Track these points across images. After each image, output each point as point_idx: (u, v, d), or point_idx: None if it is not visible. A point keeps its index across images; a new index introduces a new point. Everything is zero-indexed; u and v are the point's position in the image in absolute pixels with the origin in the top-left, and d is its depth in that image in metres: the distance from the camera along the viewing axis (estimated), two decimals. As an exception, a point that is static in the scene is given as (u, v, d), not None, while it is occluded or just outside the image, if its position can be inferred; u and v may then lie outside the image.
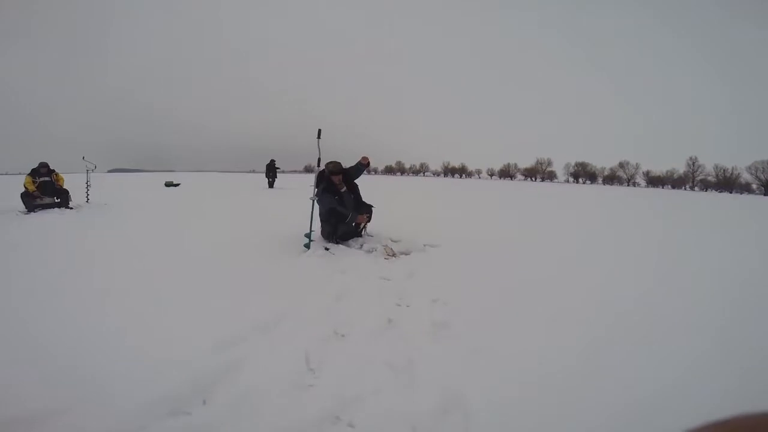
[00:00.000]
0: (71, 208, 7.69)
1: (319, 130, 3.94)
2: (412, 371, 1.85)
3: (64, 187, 7.85)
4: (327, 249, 4.09)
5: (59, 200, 7.70)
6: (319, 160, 3.99)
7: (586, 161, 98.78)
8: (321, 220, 4.37)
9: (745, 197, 36.96)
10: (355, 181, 4.52)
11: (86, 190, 9.21)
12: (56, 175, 7.94)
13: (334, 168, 4.23)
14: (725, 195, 48.39)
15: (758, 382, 1.77)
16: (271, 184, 16.72)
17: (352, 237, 4.43)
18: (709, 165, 79.57)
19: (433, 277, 3.28)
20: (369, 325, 2.32)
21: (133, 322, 2.27)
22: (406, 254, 4.10)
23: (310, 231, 4.04)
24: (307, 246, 4.03)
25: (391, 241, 4.46)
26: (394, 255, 4.03)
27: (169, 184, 17.06)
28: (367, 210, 4.46)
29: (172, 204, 9.22)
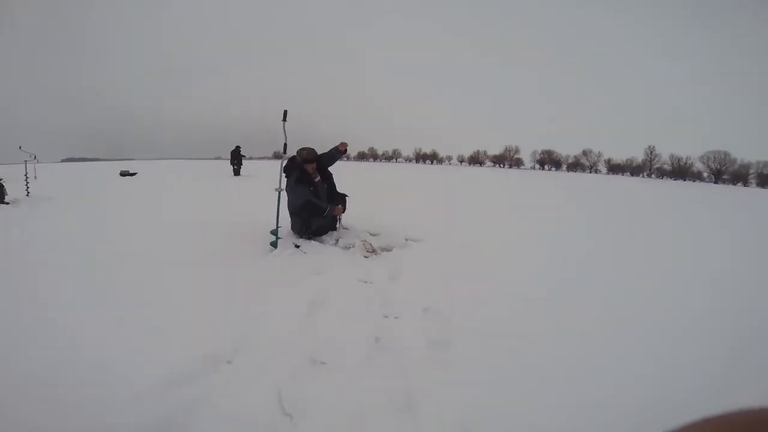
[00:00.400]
0: (6, 203, 6.84)
1: (285, 112, 3.39)
2: (414, 410, 1.46)
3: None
4: (297, 246, 3.61)
5: (-7, 195, 6.84)
6: (285, 145, 3.44)
7: (551, 149, 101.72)
8: (291, 213, 3.88)
9: (698, 185, 39.30)
10: (329, 168, 4.05)
11: (25, 182, 8.31)
12: (-17, 167, 7.05)
13: (308, 155, 3.72)
14: (680, 182, 51.25)
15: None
16: (236, 172, 15.78)
17: (327, 231, 3.97)
18: (665, 154, 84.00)
19: (420, 278, 2.90)
20: (354, 348, 1.90)
21: (42, 355, 1.74)
22: (387, 250, 3.69)
23: (277, 227, 3.53)
24: (274, 244, 3.54)
25: (370, 235, 4.03)
26: (374, 252, 3.62)
27: (124, 174, 15.88)
28: (341, 200, 4.03)
29: (124, 195, 8.33)
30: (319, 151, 3.87)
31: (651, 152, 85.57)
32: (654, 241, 4.61)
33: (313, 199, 3.69)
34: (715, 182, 71.30)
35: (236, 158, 15.95)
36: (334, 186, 4.04)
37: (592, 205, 8.83)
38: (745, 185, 69.47)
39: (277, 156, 3.84)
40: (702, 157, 76.69)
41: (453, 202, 7.51)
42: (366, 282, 2.85)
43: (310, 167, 3.76)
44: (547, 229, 5.14)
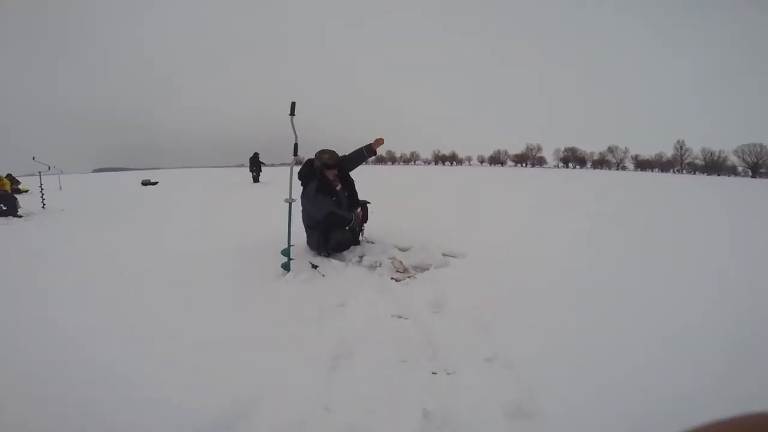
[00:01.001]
0: (20, 216, 6.72)
1: (293, 104, 2.79)
2: None
3: (21, 190, 6.83)
4: (314, 267, 3.03)
5: (5, 208, 6.71)
6: (295, 146, 2.85)
7: (575, 146, 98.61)
8: (306, 227, 3.32)
9: (734, 179, 36.68)
10: (350, 173, 3.48)
11: (41, 194, 8.28)
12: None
13: (330, 159, 3.15)
14: (714, 178, 48.36)
15: None
16: (255, 179, 15.51)
17: (348, 246, 3.38)
18: (696, 148, 79.98)
19: (472, 309, 2.25)
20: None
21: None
22: (422, 270, 3.07)
23: (289, 246, 2.92)
24: (287, 267, 2.93)
25: (399, 250, 3.42)
26: (406, 272, 3.00)
27: (146, 183, 15.99)
28: (361, 208, 3.47)
29: (139, 206, 8.04)
30: (340, 153, 3.31)
31: (681, 147, 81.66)
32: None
33: (338, 210, 3.14)
34: (753, 176, 67.19)
35: (255, 165, 15.67)
36: (355, 194, 3.45)
37: (630, 209, 7.93)
38: (787, 179, 65.09)
39: (300, 162, 3.36)
40: (736, 150, 72.65)
41: (485, 208, 6.80)
42: (401, 317, 2.23)
43: (331, 174, 3.19)
44: (599, 234, 4.40)
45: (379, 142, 3.36)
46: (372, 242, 3.67)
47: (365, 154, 3.36)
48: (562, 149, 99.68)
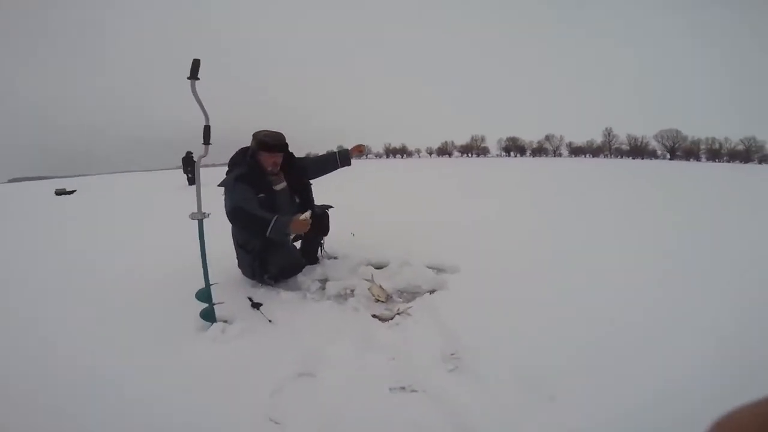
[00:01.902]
0: None
1: (195, 63, 1.75)
2: None
3: None
4: (255, 306, 2.06)
5: None
6: (206, 128, 1.83)
7: (516, 136, 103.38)
8: (236, 245, 2.35)
9: (654, 162, 40.06)
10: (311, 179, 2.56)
11: None
12: None
13: (270, 138, 2.19)
14: (638, 161, 52.79)
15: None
16: (191, 181, 13.72)
17: (301, 268, 2.46)
18: (622, 134, 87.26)
19: (509, 362, 1.45)
20: None
21: None
22: (411, 295, 2.24)
23: (208, 285, 1.86)
24: (208, 316, 1.86)
25: (374, 268, 2.56)
26: (389, 300, 2.15)
27: (60, 193, 13.53)
28: (319, 212, 2.51)
29: (36, 223, 6.38)
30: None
31: (609, 133, 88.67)
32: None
33: (248, 205, 2.06)
34: (670, 159, 74.69)
35: (189, 165, 13.89)
36: (310, 199, 2.52)
37: (611, 193, 7.75)
38: (697, 161, 73.16)
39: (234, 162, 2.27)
40: (656, 135, 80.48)
41: (456, 204, 6.11)
42: (405, 389, 1.38)
43: (270, 160, 2.23)
44: (593, 228, 3.86)
45: (359, 149, 2.54)
46: (335, 257, 2.77)
47: (338, 162, 2.52)
48: (504, 139, 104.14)
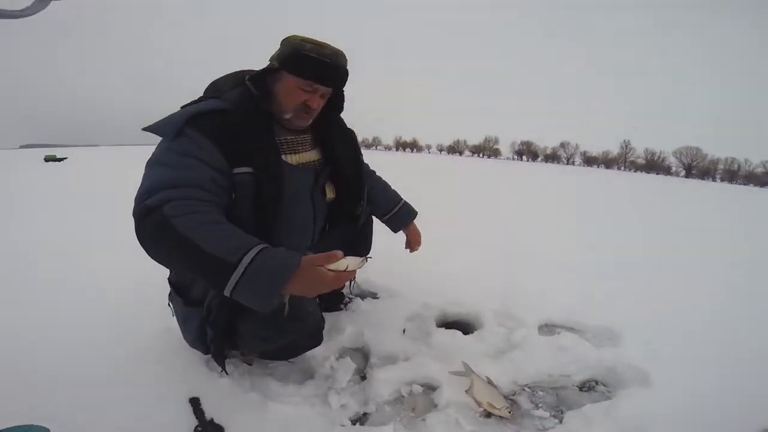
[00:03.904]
0: None
1: None
2: None
3: None
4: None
5: None
6: None
7: (530, 140, 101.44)
8: (172, 286, 1.00)
9: (670, 179, 37.99)
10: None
11: None
12: None
13: (323, 56, 0.87)
14: (652, 176, 51.02)
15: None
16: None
17: (317, 342, 1.07)
18: (639, 148, 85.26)
19: None
20: None
21: None
22: (556, 397, 1.01)
23: None
24: None
25: (461, 333, 1.33)
26: (513, 414, 0.92)
27: (50, 159, 12.46)
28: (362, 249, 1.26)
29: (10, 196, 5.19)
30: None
31: (626, 146, 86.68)
32: None
33: (192, 208, 0.72)
34: (686, 176, 72.87)
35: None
36: (359, 205, 1.14)
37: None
38: (713, 180, 71.22)
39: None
40: (675, 151, 78.59)
41: (517, 215, 4.78)
42: None
43: (303, 96, 0.90)
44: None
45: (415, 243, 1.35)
46: (372, 295, 1.53)
47: (400, 212, 1.33)
48: (518, 142, 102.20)
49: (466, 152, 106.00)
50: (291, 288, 0.66)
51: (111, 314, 1.29)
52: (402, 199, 1.34)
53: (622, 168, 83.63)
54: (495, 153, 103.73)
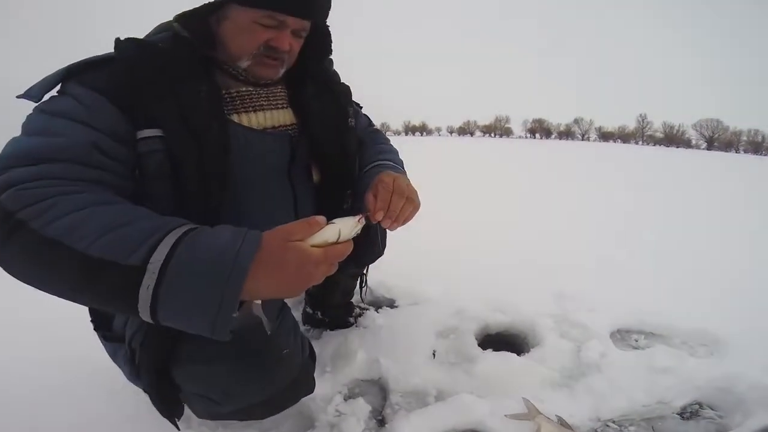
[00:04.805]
0: None
1: None
2: None
3: None
4: None
5: None
6: None
7: (542, 118, 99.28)
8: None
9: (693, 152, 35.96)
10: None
11: None
12: None
13: None
14: (672, 150, 49.19)
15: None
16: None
17: (305, 393, 0.72)
18: (657, 122, 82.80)
19: None
20: None
21: None
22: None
23: None
24: None
25: (513, 355, 1.00)
26: None
27: None
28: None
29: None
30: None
31: (643, 120, 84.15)
32: None
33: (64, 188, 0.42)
34: (708, 149, 70.66)
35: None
36: (348, 177, 0.75)
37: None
38: (736, 152, 68.68)
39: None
40: (695, 124, 76.21)
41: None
42: None
43: (265, 35, 0.57)
44: None
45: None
46: (391, 302, 1.20)
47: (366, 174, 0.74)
48: (530, 120, 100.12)
49: (477, 133, 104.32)
50: (256, 286, 0.39)
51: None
52: (379, 159, 0.77)
53: (640, 142, 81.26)
54: (506, 132, 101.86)
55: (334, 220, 0.44)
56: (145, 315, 0.38)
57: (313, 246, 0.41)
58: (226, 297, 0.37)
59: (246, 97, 0.62)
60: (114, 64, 0.51)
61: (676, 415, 0.83)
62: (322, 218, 0.43)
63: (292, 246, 0.39)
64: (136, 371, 0.60)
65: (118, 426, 0.74)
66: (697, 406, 0.85)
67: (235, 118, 0.59)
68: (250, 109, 0.62)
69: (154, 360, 0.55)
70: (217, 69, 0.59)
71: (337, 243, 0.43)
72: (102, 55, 0.54)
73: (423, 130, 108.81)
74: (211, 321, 0.37)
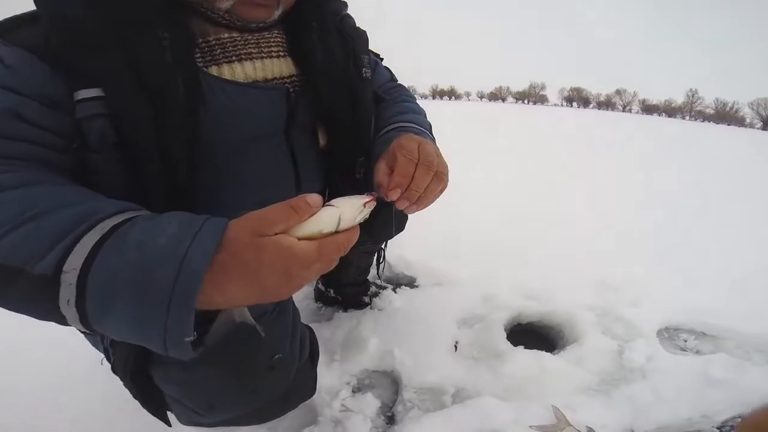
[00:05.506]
0: None
1: None
2: None
3: None
4: None
5: None
6: None
7: (581, 86, 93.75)
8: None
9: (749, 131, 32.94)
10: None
11: None
12: None
13: None
14: (723, 127, 45.79)
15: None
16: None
17: (307, 396, 0.66)
18: (709, 97, 77.10)
19: None
20: None
21: None
22: None
23: None
24: None
25: (549, 355, 0.88)
26: None
27: None
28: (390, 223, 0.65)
29: None
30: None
31: (693, 95, 78.21)
32: None
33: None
34: (763, 129, 66.03)
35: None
36: (363, 128, 0.58)
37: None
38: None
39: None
40: (752, 102, 70.66)
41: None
42: None
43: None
44: None
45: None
46: (411, 281, 1.08)
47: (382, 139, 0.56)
48: (568, 88, 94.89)
49: (510, 99, 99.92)
50: (222, 295, 0.29)
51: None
52: (401, 121, 0.59)
53: (687, 117, 76.07)
54: (541, 99, 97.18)
55: (333, 201, 0.33)
56: (82, 329, 0.29)
57: (302, 238, 0.30)
58: (174, 315, 0.27)
59: (229, 44, 0.45)
60: (57, 21, 0.36)
61: (715, 429, 0.71)
62: (315, 198, 0.31)
63: (269, 242, 0.28)
64: (113, 370, 0.50)
65: (118, 426, 0.69)
66: (739, 419, 0.72)
67: (214, 70, 0.44)
68: (234, 58, 0.45)
69: (126, 359, 0.46)
70: (193, 13, 0.43)
71: (336, 232, 0.32)
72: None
73: (452, 94, 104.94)
74: (161, 341, 0.28)
